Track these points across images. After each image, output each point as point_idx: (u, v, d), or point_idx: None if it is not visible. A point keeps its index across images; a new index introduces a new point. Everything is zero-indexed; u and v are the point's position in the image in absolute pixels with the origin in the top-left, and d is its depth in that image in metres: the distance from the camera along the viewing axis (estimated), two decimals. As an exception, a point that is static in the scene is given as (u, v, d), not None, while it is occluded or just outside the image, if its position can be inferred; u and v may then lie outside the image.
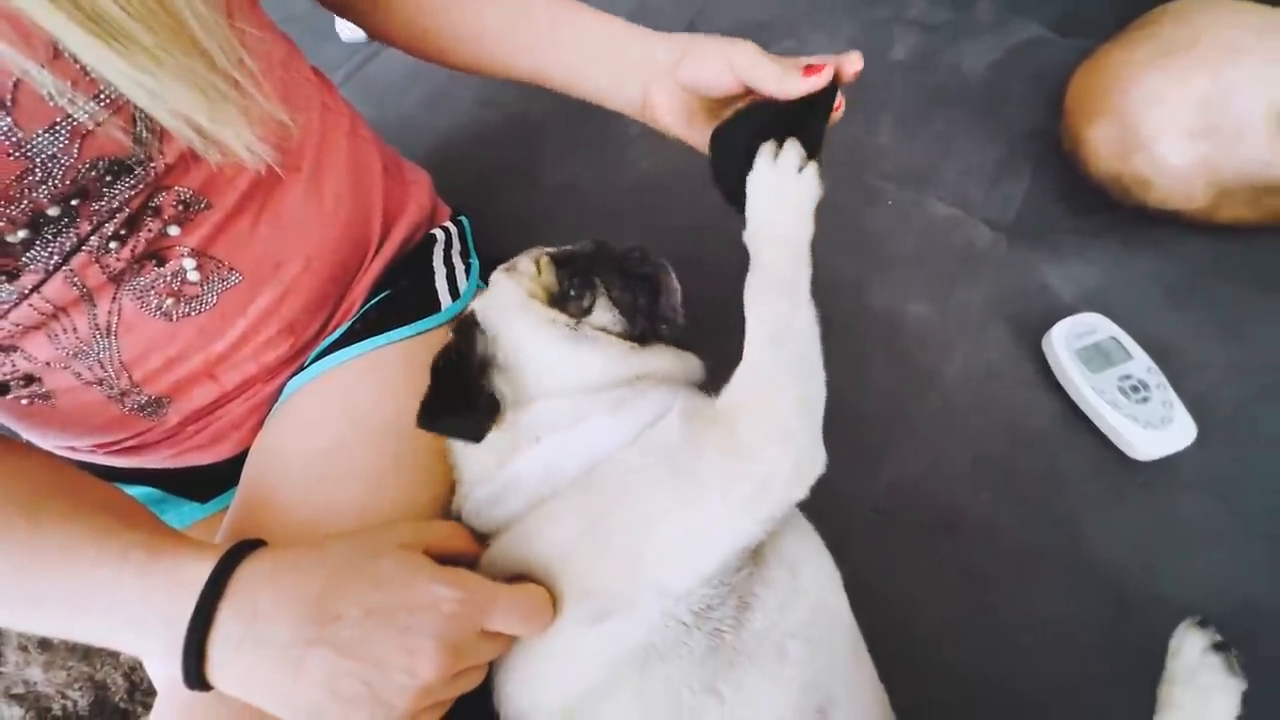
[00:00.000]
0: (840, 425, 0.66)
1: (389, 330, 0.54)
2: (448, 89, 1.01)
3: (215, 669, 0.35)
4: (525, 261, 0.50)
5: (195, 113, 0.37)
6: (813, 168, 0.46)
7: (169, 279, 0.45)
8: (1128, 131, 0.66)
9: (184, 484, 0.57)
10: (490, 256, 0.74)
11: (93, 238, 0.41)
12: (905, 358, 0.69)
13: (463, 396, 0.45)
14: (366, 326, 0.54)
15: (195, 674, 0.35)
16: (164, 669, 0.37)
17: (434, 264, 0.61)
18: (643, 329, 0.48)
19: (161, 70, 0.35)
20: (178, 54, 0.36)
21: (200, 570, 0.36)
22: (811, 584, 0.44)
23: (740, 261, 0.55)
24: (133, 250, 0.43)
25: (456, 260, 0.63)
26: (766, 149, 0.46)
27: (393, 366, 0.52)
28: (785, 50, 0.91)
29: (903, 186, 0.80)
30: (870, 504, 0.63)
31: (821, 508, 0.62)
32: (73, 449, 0.53)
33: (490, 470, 0.46)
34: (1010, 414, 0.65)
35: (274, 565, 0.37)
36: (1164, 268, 0.70)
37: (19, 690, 1.16)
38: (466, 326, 0.48)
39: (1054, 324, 0.66)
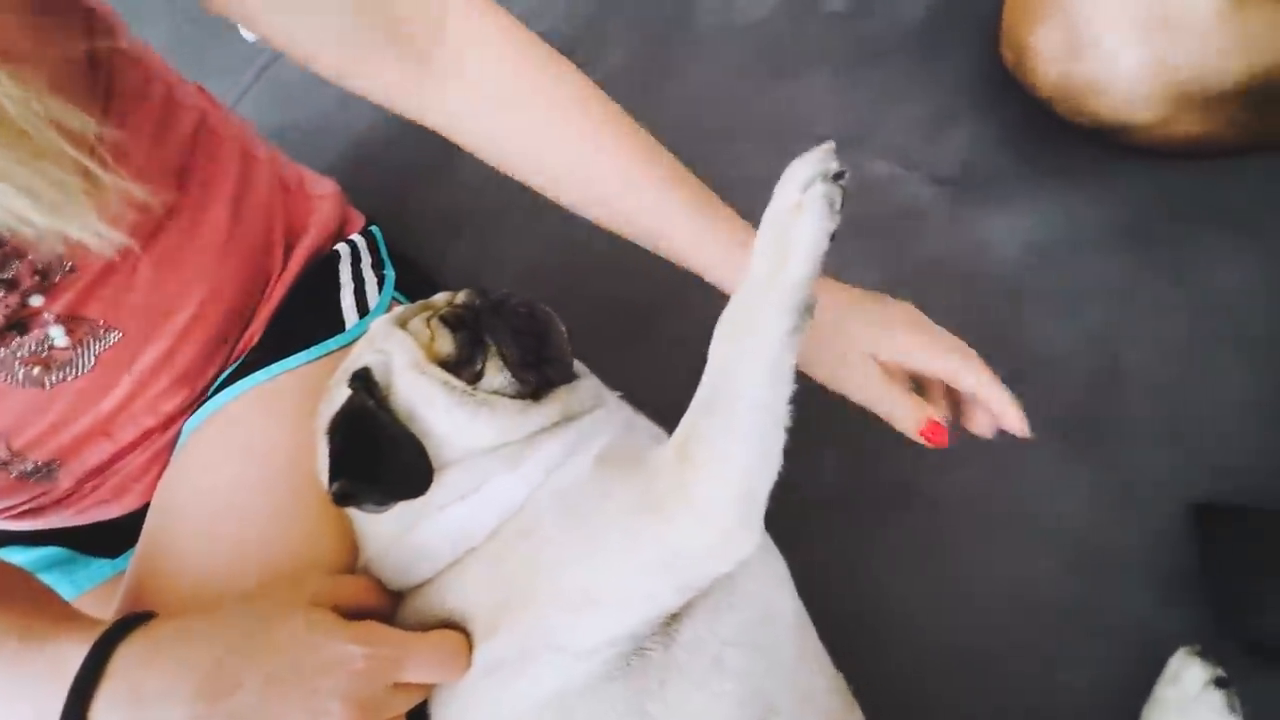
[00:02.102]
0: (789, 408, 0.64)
1: (288, 355, 0.50)
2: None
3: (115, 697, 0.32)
4: (417, 322, 0.46)
5: (27, 211, 0.34)
6: None
7: (33, 348, 0.42)
8: (1073, 31, 0.62)
9: (93, 540, 0.54)
10: (412, 258, 0.71)
11: None
12: (849, 329, 0.66)
13: (390, 451, 0.42)
14: (264, 354, 0.51)
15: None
16: None
17: (340, 280, 0.57)
18: (536, 382, 0.44)
19: None
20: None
21: (76, 656, 0.33)
22: (751, 587, 0.41)
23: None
24: None
25: (367, 273, 0.60)
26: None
27: (293, 395, 0.48)
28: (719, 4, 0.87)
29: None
30: (820, 489, 0.61)
31: (771, 497, 0.61)
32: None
33: (394, 540, 0.43)
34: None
35: (158, 641, 0.34)
36: (1111, 209, 0.67)
37: None
38: (365, 382, 0.44)
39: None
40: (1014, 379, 0.61)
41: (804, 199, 0.36)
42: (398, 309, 0.48)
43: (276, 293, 0.54)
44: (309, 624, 0.36)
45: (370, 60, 0.44)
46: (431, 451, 0.42)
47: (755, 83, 0.81)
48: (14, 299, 0.40)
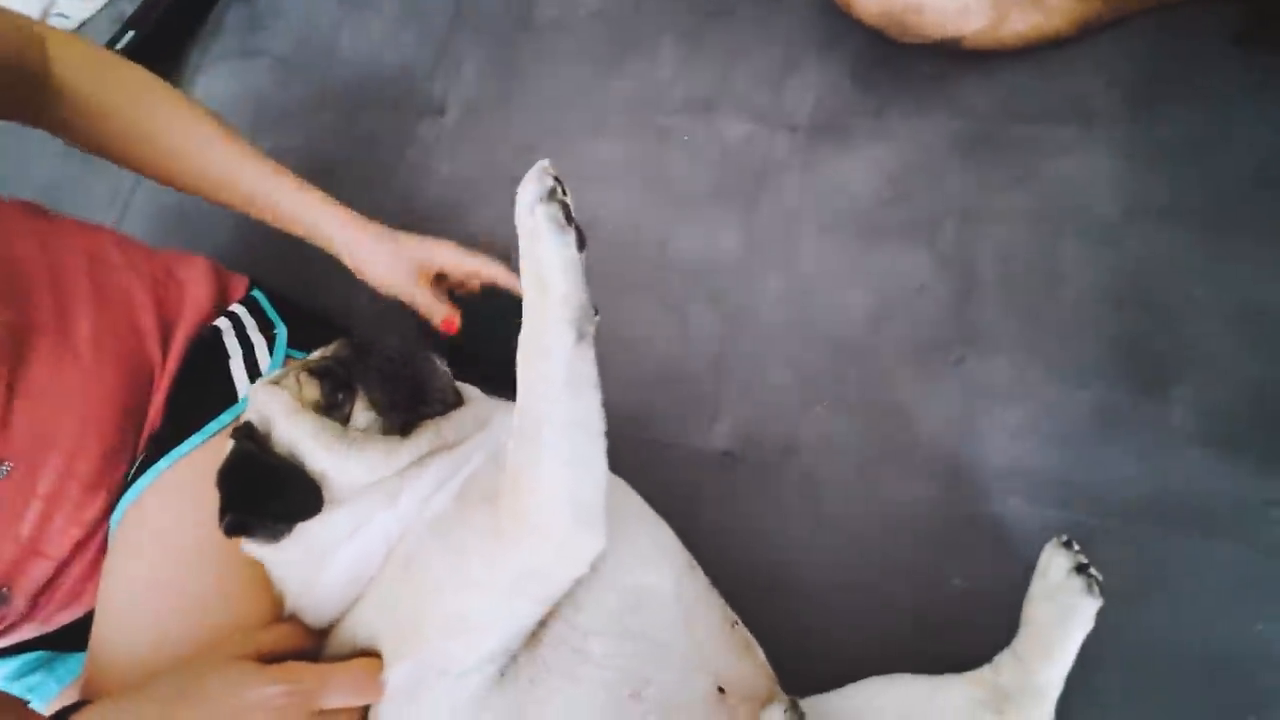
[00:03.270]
0: (672, 383, 0.68)
1: (189, 436, 0.54)
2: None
3: None
4: (289, 379, 0.49)
5: None
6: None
7: None
8: None
9: (67, 639, 0.59)
10: (309, 306, 0.74)
11: None
12: (721, 298, 0.69)
13: (274, 480, 0.46)
14: (164, 440, 0.54)
15: None
16: None
17: (227, 351, 0.60)
18: (402, 420, 0.47)
19: None
20: None
21: None
22: (618, 574, 0.45)
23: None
24: None
25: (255, 337, 0.62)
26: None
27: (196, 473, 0.51)
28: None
29: (694, 116, 0.78)
30: (715, 450, 0.65)
31: (670, 464, 0.65)
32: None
33: (305, 588, 0.47)
34: (827, 322, 0.66)
35: (102, 713, 0.39)
36: (956, 124, 0.68)
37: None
38: (247, 431, 0.48)
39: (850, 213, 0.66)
40: (879, 314, 0.64)
41: (533, 224, 0.37)
42: (270, 374, 0.52)
43: (163, 382, 0.57)
44: (224, 675, 0.40)
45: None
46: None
47: (604, 68, 0.82)
48: None
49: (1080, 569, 0.48)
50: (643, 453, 0.66)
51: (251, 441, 0.48)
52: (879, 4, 0.66)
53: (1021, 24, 0.65)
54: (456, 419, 0.50)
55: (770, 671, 0.49)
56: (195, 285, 0.63)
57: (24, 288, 0.50)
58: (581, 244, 0.38)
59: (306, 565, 0.47)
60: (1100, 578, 0.47)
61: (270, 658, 0.43)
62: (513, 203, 0.38)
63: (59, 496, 0.51)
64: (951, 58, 0.67)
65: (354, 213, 0.64)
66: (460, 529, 0.43)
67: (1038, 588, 0.49)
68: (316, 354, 0.54)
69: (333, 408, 0.48)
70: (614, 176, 0.77)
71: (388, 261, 0.64)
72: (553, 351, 0.38)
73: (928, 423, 0.60)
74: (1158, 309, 0.58)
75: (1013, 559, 0.54)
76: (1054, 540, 0.50)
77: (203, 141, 0.60)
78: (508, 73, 0.86)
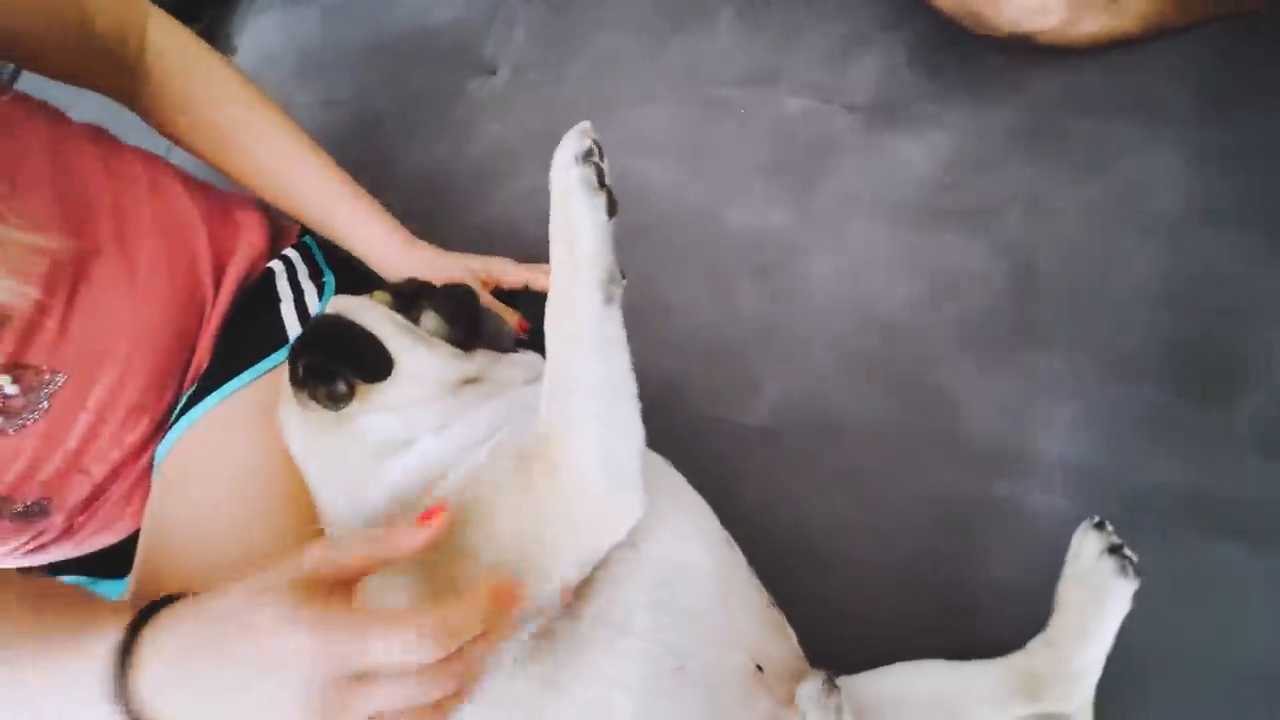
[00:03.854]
0: (715, 357, 0.68)
1: (237, 375, 0.55)
2: (287, 97, 0.97)
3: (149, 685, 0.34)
4: (375, 297, 0.52)
5: None
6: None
7: None
8: None
9: (102, 565, 0.60)
10: (356, 261, 0.74)
11: None
12: (770, 274, 0.68)
13: (348, 341, 0.47)
14: (214, 377, 0.55)
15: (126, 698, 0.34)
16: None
17: (278, 294, 0.61)
18: (465, 333, 0.50)
19: None
20: None
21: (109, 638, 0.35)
22: (657, 550, 0.44)
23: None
24: None
25: (305, 283, 0.63)
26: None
27: (246, 410, 0.53)
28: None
29: (751, 89, 0.77)
30: (756, 426, 0.64)
31: (710, 436, 0.65)
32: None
33: (347, 507, 0.47)
34: (877, 305, 0.65)
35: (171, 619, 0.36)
36: (1022, 115, 0.67)
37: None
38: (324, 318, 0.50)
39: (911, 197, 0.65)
40: (932, 300, 0.64)
41: (567, 183, 0.37)
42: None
43: (214, 319, 0.58)
44: (275, 612, 0.34)
45: (87, 70, 0.55)
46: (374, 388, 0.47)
47: (658, 37, 0.81)
48: None
49: (1113, 550, 0.47)
50: (681, 424, 0.66)
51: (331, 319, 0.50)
52: None
53: (1094, 24, 0.63)
54: (508, 362, 0.51)
55: (801, 652, 0.49)
56: (250, 226, 0.63)
57: (86, 210, 0.50)
58: (612, 210, 0.38)
59: (349, 475, 0.47)
60: (1135, 559, 0.46)
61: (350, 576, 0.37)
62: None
63: (106, 414, 0.51)
64: (1019, 49, 0.66)
65: (414, 243, 0.64)
66: (493, 488, 0.42)
67: (1070, 570, 0.49)
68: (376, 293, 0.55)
69: (406, 310, 0.51)
70: (664, 146, 0.76)
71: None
72: (580, 310, 0.38)
73: (974, 411, 0.59)
74: (1217, 312, 0.57)
75: (1055, 552, 0.53)
76: (1085, 522, 0.49)
77: (286, 158, 0.61)
78: (561, 36, 0.85)
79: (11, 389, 0.47)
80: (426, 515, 0.37)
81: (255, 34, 1.04)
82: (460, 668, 0.35)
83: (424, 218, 0.83)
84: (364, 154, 0.89)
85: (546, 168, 0.90)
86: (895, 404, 0.61)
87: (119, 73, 0.57)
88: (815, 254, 0.68)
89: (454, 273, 0.63)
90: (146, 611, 0.37)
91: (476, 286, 0.60)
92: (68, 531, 0.55)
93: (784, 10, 0.79)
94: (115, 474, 0.54)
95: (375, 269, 0.64)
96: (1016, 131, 0.67)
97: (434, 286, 0.53)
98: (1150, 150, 0.62)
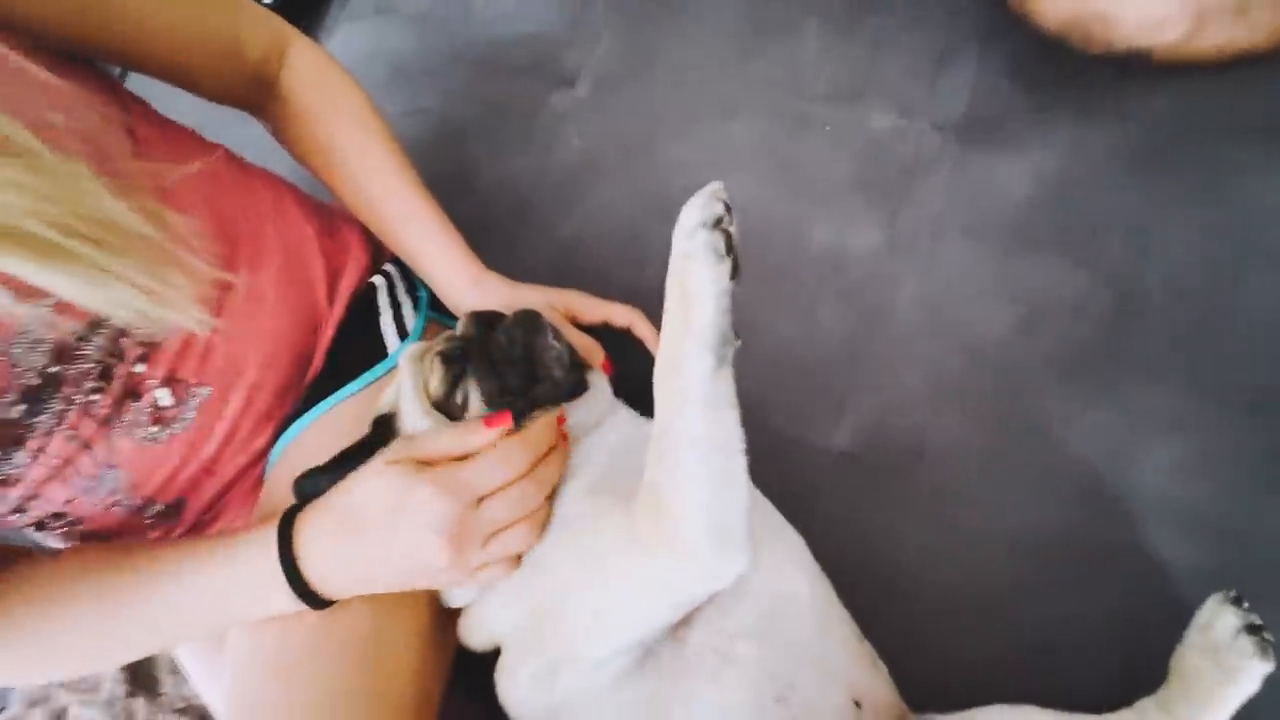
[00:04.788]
0: (797, 377, 0.67)
1: (339, 389, 0.58)
2: (376, 101, 1.00)
3: (309, 562, 0.45)
4: (426, 360, 0.51)
5: (145, 308, 0.42)
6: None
7: (149, 410, 0.50)
8: None
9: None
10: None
11: (76, 395, 0.46)
12: (854, 294, 0.67)
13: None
14: (323, 386, 0.58)
15: (303, 588, 0.45)
16: (289, 607, 0.46)
17: (379, 308, 0.64)
18: (518, 410, 0.47)
19: (105, 279, 0.40)
20: (118, 264, 0.40)
21: (266, 537, 0.46)
22: (759, 579, 0.45)
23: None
24: (113, 396, 0.48)
25: (402, 298, 0.66)
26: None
27: (349, 420, 0.56)
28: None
29: (837, 105, 0.76)
30: (837, 449, 0.64)
31: (789, 459, 0.65)
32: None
33: None
34: (968, 331, 0.63)
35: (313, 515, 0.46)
36: (1126, 135, 0.64)
37: (180, 705, 1.37)
38: (384, 425, 0.50)
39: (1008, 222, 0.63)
40: (1028, 330, 0.62)
41: (690, 248, 0.36)
42: (419, 344, 0.54)
43: (327, 332, 0.61)
44: (392, 477, 0.44)
45: (233, 92, 0.59)
46: None
47: (742, 50, 0.80)
48: (123, 369, 0.48)
49: (1251, 629, 0.45)
50: (762, 443, 0.64)
51: (381, 430, 0.51)
52: (1068, 11, 0.62)
53: (1220, 37, 0.60)
54: (575, 409, 0.50)
55: (895, 688, 0.49)
56: (355, 242, 0.66)
57: (229, 232, 0.54)
58: (735, 273, 0.36)
59: None
60: (1274, 641, 0.44)
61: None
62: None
63: (239, 422, 0.55)
64: (1130, 64, 0.63)
65: (485, 274, 0.62)
66: (595, 534, 0.44)
67: (1197, 640, 0.46)
68: (450, 333, 0.55)
69: (451, 395, 0.49)
70: (746, 161, 0.76)
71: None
72: (689, 374, 0.37)
73: (1072, 444, 0.58)
74: (1346, 351, 0.53)
75: (1154, 596, 0.52)
76: (1220, 594, 0.47)
77: (375, 172, 0.62)
78: (643, 47, 0.85)
79: (167, 400, 0.51)
80: (489, 420, 0.45)
81: (344, 41, 1.08)
82: (547, 473, 0.46)
83: (504, 230, 0.85)
84: (447, 164, 0.91)
85: (628, 182, 0.90)
86: (984, 433, 0.60)
87: (259, 92, 0.60)
88: (904, 275, 0.67)
89: (527, 306, 0.62)
90: (286, 519, 0.46)
91: (559, 320, 0.59)
92: (194, 528, 0.59)
93: (872, 22, 0.77)
94: (239, 476, 0.58)
95: (443, 297, 0.63)
96: (1124, 152, 0.64)
97: (483, 349, 0.50)
98: (1271, 173, 0.59)
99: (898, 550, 0.59)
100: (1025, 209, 0.65)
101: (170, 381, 0.51)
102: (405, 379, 0.50)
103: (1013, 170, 0.67)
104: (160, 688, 1.43)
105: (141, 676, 1.29)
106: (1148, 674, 0.48)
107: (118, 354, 0.48)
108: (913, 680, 0.50)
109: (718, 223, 0.35)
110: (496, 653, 0.49)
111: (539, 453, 0.46)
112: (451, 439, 0.45)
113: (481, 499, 0.44)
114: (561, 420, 0.48)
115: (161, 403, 0.51)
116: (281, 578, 0.45)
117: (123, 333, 0.47)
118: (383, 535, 0.44)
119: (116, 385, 0.48)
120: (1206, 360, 0.56)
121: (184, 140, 0.56)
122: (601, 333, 0.61)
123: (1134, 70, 0.64)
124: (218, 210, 0.53)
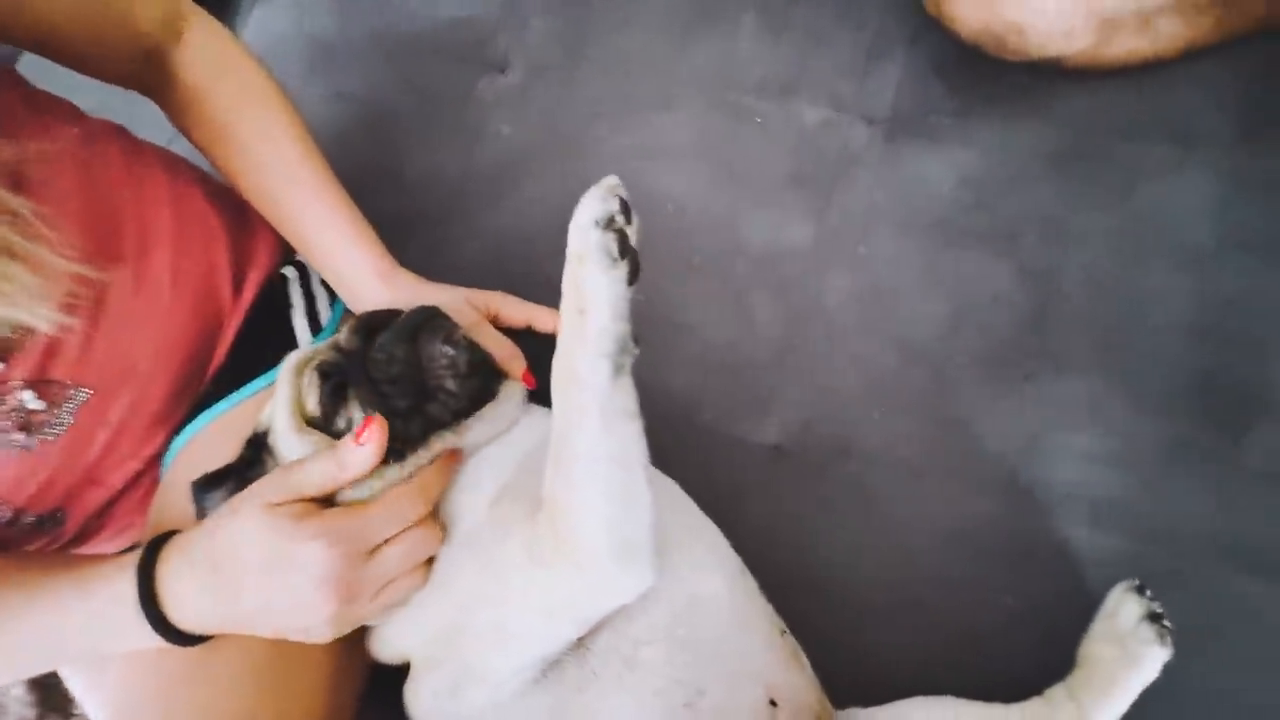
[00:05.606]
0: (727, 372, 0.67)
1: (248, 382, 0.54)
2: (294, 89, 0.94)
3: (173, 602, 0.41)
4: (304, 377, 0.46)
5: None
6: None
7: (11, 413, 0.45)
8: None
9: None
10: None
11: None
12: (786, 289, 0.67)
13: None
14: (225, 383, 0.54)
15: (168, 629, 0.41)
16: (146, 643, 0.42)
17: (290, 301, 0.60)
18: (403, 435, 0.43)
19: None
20: None
21: (126, 574, 0.42)
22: (671, 582, 0.43)
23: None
24: None
25: (317, 289, 0.62)
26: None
27: (243, 425, 0.52)
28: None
29: (770, 99, 0.75)
30: (766, 444, 0.63)
31: (717, 454, 0.64)
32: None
33: None
34: (897, 327, 0.64)
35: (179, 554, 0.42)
36: (1047, 134, 0.66)
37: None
38: (258, 445, 0.47)
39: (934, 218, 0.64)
40: (952, 322, 0.63)
41: (583, 249, 0.34)
42: (303, 351, 0.49)
43: (232, 326, 0.57)
44: (271, 532, 0.39)
45: (120, 67, 0.53)
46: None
47: (679, 40, 0.79)
48: None
49: (1153, 617, 0.46)
50: (690, 439, 0.65)
51: (255, 451, 0.47)
52: (979, 20, 0.63)
53: (1124, 47, 0.62)
54: (479, 422, 0.46)
55: (817, 683, 0.48)
56: (266, 231, 0.62)
57: (111, 217, 0.49)
58: (633, 277, 0.34)
59: None
60: (1172, 628, 0.45)
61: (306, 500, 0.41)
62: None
63: (125, 428, 0.51)
64: (1047, 69, 0.65)
65: (397, 273, 0.57)
66: (496, 548, 0.42)
67: (1102, 628, 0.48)
68: (332, 341, 0.50)
69: (331, 417, 0.45)
70: (681, 153, 0.75)
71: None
72: (586, 384, 0.35)
73: (992, 437, 0.58)
74: (1245, 345, 0.56)
75: (1069, 584, 0.53)
76: (1125, 583, 0.49)
77: (282, 161, 0.56)
78: (577, 34, 0.83)
79: (35, 404, 0.46)
80: (359, 433, 0.40)
81: (260, 23, 1.02)
82: (438, 527, 0.43)
83: (430, 225, 0.82)
84: (370, 154, 0.87)
85: (560, 174, 0.87)
86: (911, 427, 0.61)
87: (151, 71, 0.55)
88: (833, 271, 0.67)
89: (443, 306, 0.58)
90: (152, 546, 0.42)
91: (475, 321, 0.55)
92: (80, 540, 0.54)
93: (805, 17, 0.77)
94: (129, 485, 0.53)
95: (350, 298, 0.57)
96: (1042, 151, 0.65)
97: (363, 364, 0.44)
98: (1182, 174, 0.61)
99: (824, 546, 0.59)
100: (951, 205, 0.66)
101: (38, 383, 0.46)
102: (280, 393, 0.46)
103: (939, 166, 0.68)
104: (73, 709, 1.34)
105: (51, 696, 1.20)
106: (1060, 662, 0.49)
107: None
108: (837, 675, 0.50)
109: (609, 223, 0.33)
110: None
111: (432, 499, 0.43)
112: (325, 469, 0.41)
113: (373, 550, 0.41)
114: (455, 457, 0.45)
115: (28, 406, 0.46)
116: (144, 621, 0.41)
117: None
118: (261, 585, 0.39)
119: None
120: (1118, 354, 0.58)
121: (55, 112, 0.50)
122: (525, 339, 0.57)
123: (1050, 73, 0.65)
124: (96, 193, 0.48)
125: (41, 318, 0.40)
